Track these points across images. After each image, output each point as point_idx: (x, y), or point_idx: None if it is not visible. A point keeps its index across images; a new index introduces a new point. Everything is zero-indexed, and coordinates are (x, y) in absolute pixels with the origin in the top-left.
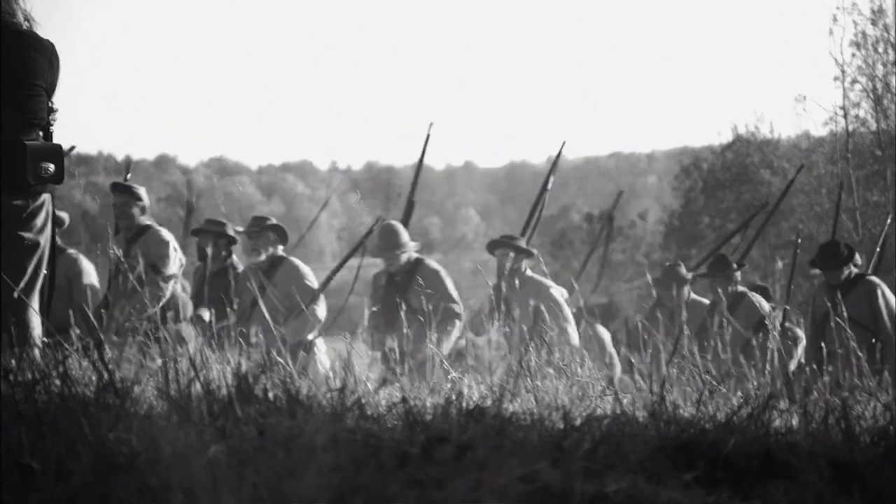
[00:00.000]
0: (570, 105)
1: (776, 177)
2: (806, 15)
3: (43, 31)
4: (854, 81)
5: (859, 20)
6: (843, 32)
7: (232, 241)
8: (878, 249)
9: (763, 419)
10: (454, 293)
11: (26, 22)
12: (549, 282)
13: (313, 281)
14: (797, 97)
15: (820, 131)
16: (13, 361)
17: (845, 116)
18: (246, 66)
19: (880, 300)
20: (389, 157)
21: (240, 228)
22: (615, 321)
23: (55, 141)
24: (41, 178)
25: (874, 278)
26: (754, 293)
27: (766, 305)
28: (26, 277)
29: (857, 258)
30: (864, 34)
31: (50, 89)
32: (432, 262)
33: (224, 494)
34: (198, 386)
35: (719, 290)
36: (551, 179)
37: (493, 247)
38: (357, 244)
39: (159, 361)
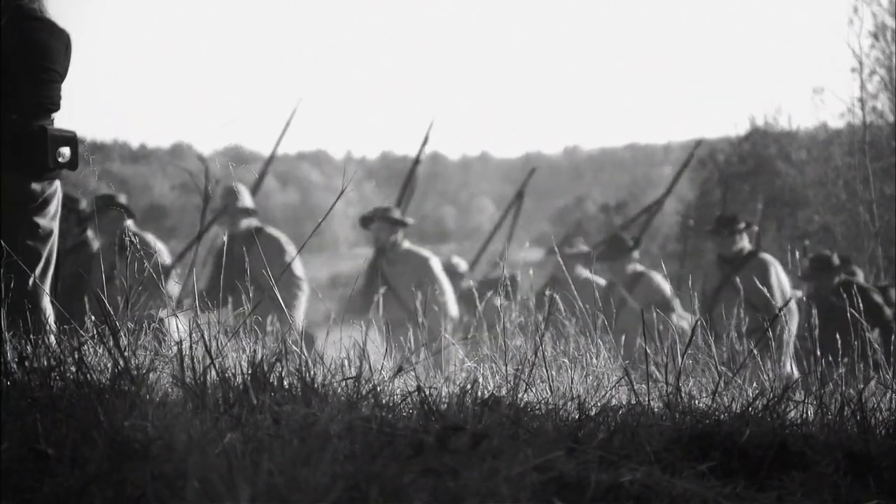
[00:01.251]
0: (586, 96)
1: (793, 168)
2: (824, 5)
3: (58, 18)
4: (872, 73)
5: (878, 11)
6: (861, 23)
7: (84, 216)
8: None
9: (778, 410)
10: (295, 263)
11: (40, 9)
12: (426, 252)
13: (166, 257)
14: (815, 88)
15: (837, 123)
16: (29, 348)
17: (863, 108)
18: (261, 55)
19: (773, 278)
20: (405, 147)
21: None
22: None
23: (66, 127)
24: (59, 163)
25: (767, 256)
26: (656, 273)
27: (666, 286)
28: (41, 264)
29: (748, 239)
30: (883, 25)
31: (63, 77)
32: (274, 231)
33: (239, 482)
34: (213, 373)
35: (617, 271)
36: (421, 159)
37: (366, 222)
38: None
39: (174, 349)
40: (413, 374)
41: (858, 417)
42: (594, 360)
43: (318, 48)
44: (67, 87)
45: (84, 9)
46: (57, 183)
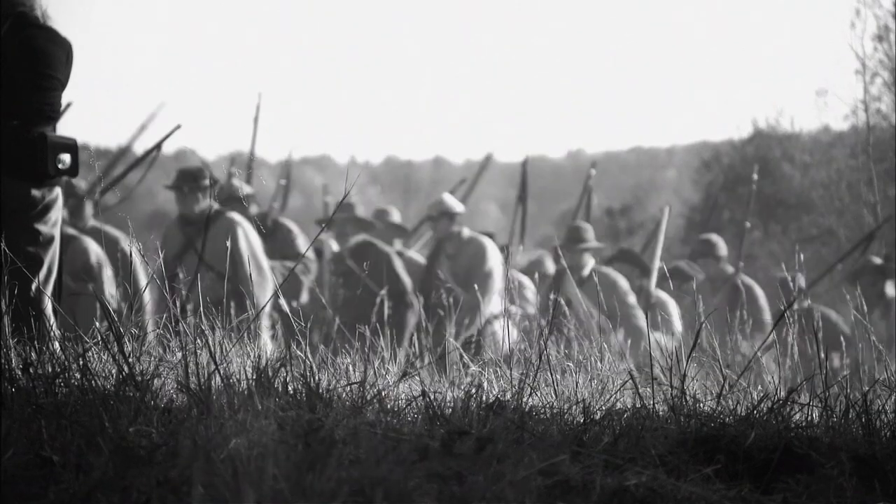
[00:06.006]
0: (590, 99)
1: (797, 171)
2: (826, 8)
3: (59, 26)
4: (875, 75)
5: (881, 14)
6: (864, 26)
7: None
8: None
9: (783, 413)
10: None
11: (42, 17)
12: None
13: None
14: (818, 91)
15: (841, 125)
16: (33, 354)
17: (866, 110)
18: (264, 61)
19: (242, 240)
20: (409, 152)
21: None
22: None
23: (67, 134)
24: (59, 170)
25: (236, 215)
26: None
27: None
28: (43, 270)
29: (247, 199)
30: (886, 28)
31: (64, 84)
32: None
33: (244, 488)
34: (218, 379)
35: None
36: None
37: None
38: None
39: (179, 355)
40: (418, 378)
41: (863, 420)
42: (599, 363)
43: (321, 52)
44: (72, 94)
45: (86, 14)
46: (58, 190)
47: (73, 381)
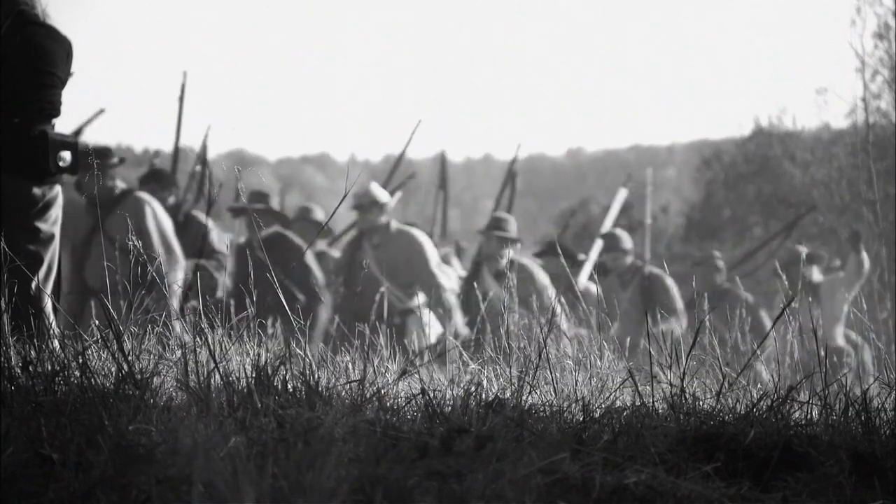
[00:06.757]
0: (590, 97)
1: (798, 169)
2: (827, 5)
3: (59, 23)
4: (875, 73)
5: (881, 12)
6: (864, 24)
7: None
8: None
9: (783, 411)
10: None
11: (42, 15)
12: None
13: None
14: (819, 89)
15: (841, 123)
16: (33, 352)
17: (866, 108)
18: (265, 59)
19: (150, 220)
20: (409, 150)
21: None
22: None
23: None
24: (59, 168)
25: (144, 194)
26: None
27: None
28: (43, 268)
29: (170, 185)
30: (886, 25)
31: (64, 82)
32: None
33: (244, 486)
34: (217, 377)
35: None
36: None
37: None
38: None
39: (178, 353)
40: (417, 376)
41: (863, 418)
42: (598, 361)
43: (321, 51)
44: (71, 91)
45: (84, 12)
46: (58, 188)
47: (72, 379)
